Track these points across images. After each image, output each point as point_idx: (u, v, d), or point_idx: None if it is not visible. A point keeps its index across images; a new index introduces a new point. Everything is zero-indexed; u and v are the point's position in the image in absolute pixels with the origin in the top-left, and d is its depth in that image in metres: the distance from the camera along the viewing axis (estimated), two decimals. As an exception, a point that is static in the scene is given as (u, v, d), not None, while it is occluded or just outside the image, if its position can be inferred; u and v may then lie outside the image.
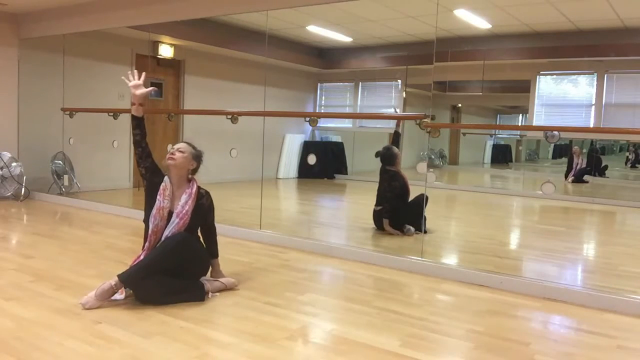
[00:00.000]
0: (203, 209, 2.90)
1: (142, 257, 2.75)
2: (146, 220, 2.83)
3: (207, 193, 2.97)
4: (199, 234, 2.99)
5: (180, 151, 2.85)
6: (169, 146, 3.02)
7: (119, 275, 2.58)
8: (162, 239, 2.75)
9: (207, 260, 2.92)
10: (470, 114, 10.08)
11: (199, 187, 2.91)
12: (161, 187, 2.82)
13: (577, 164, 8.77)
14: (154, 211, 2.79)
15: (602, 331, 2.55)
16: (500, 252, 4.30)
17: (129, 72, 2.93)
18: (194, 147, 2.95)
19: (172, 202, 2.82)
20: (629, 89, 6.89)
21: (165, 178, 2.86)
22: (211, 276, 3.00)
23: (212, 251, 3.03)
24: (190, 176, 2.92)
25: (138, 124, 2.88)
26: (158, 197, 2.80)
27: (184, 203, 2.81)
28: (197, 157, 2.93)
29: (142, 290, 2.61)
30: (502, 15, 6.00)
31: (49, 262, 3.39)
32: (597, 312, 2.82)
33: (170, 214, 2.80)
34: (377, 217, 4.80)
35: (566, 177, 8.80)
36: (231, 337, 2.28)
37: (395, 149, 4.86)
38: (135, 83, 2.91)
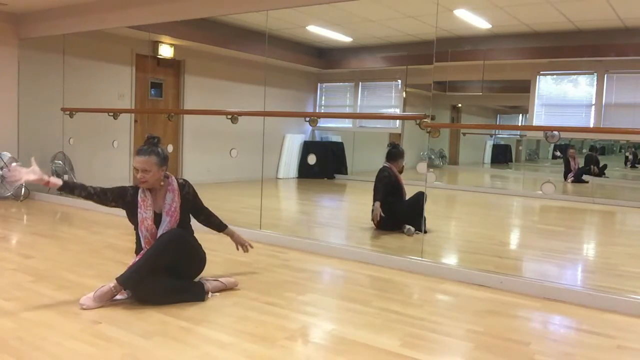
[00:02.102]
0: (189, 198, 2.91)
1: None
2: (136, 229, 2.84)
3: (186, 181, 2.96)
4: (195, 227, 3.01)
5: (145, 171, 2.72)
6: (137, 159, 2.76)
7: (117, 278, 2.58)
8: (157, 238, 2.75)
9: (204, 256, 2.92)
10: (470, 114, 10.09)
11: (177, 180, 2.90)
12: (139, 199, 2.78)
13: (575, 165, 8.81)
14: (140, 226, 2.78)
15: (602, 331, 2.54)
16: (500, 252, 4.30)
17: (9, 169, 2.62)
18: (156, 153, 2.76)
19: (154, 205, 2.80)
20: (629, 89, 6.89)
21: (139, 191, 2.79)
22: (233, 240, 3.16)
23: (220, 225, 3.13)
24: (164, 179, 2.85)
25: (70, 188, 2.66)
26: (139, 210, 2.77)
27: (171, 201, 2.80)
28: (163, 161, 2.78)
29: (142, 290, 2.61)
30: (502, 15, 6.00)
31: (49, 262, 3.39)
32: (597, 312, 2.82)
33: (156, 215, 2.79)
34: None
35: (565, 178, 8.82)
36: (231, 337, 2.28)
37: (401, 149, 4.90)
38: (28, 175, 2.53)
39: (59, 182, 2.60)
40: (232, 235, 3.18)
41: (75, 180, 2.72)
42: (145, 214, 2.77)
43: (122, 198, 2.80)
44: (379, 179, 4.77)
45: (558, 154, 9.12)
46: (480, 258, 3.94)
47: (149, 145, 2.79)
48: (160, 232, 2.76)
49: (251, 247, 3.22)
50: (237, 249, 3.20)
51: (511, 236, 5.32)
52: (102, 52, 6.67)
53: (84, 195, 2.69)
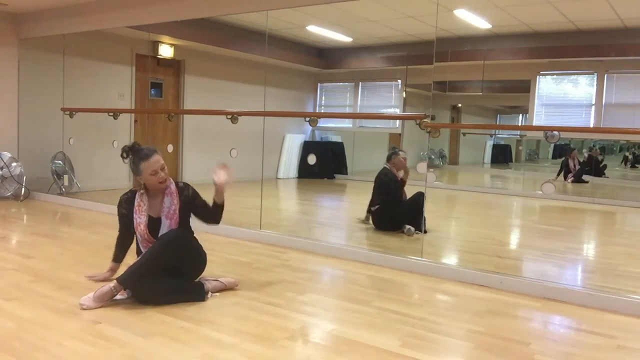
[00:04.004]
0: (188, 200, 2.89)
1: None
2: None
3: (186, 185, 2.93)
4: (195, 227, 3.01)
5: (164, 168, 2.79)
6: (158, 160, 2.78)
7: (117, 278, 2.59)
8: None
9: (204, 256, 2.92)
10: (470, 114, 10.08)
11: (176, 183, 2.89)
12: (136, 205, 2.80)
13: (574, 165, 8.82)
14: (135, 230, 2.81)
15: (602, 331, 2.54)
16: (500, 252, 4.30)
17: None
18: (155, 150, 2.82)
19: (150, 209, 2.82)
20: (629, 89, 6.88)
21: (137, 195, 2.82)
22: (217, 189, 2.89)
23: (217, 208, 2.90)
24: None
25: (123, 256, 3.00)
26: (135, 215, 2.79)
27: (170, 204, 2.80)
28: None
29: (142, 290, 2.61)
30: (502, 15, 6.00)
31: (49, 262, 3.39)
32: (597, 312, 2.82)
33: (151, 220, 2.79)
34: (375, 217, 4.83)
35: (565, 178, 8.82)
36: (231, 337, 2.28)
37: (396, 152, 4.95)
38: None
39: (117, 266, 2.97)
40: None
41: (115, 253, 3.03)
42: (139, 219, 2.79)
43: (125, 216, 2.88)
44: (384, 183, 4.82)
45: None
46: (480, 258, 3.94)
47: (145, 148, 2.81)
48: (160, 234, 2.76)
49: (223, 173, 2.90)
50: (221, 190, 2.90)
51: (511, 236, 5.32)
52: (102, 52, 6.67)
53: (128, 248, 2.98)
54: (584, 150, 8.99)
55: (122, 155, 2.82)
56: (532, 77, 7.51)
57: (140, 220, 2.79)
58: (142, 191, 2.83)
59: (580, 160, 8.89)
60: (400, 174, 4.90)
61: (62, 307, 2.55)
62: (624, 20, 5.78)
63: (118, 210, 2.92)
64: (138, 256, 2.81)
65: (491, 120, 10.31)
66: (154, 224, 2.79)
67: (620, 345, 2.39)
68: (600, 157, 8.97)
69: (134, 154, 2.78)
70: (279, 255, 3.86)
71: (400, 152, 4.93)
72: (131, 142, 2.88)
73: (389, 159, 4.93)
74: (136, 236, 2.84)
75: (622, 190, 8.72)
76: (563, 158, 9.12)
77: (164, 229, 2.77)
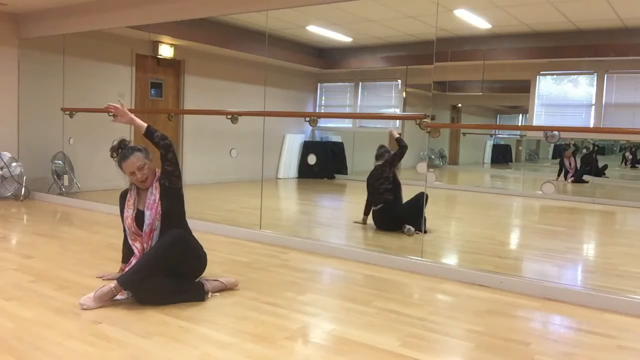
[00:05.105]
0: (163, 179, 2.88)
1: (133, 261, 2.79)
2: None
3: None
4: (193, 227, 3.02)
5: (141, 168, 2.82)
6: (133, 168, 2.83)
7: (117, 279, 2.59)
8: (142, 234, 2.81)
9: (204, 256, 2.93)
10: (470, 114, 10.08)
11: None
12: (126, 200, 2.90)
13: (570, 164, 8.82)
14: (124, 223, 2.86)
15: (602, 331, 2.54)
16: (500, 252, 4.30)
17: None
18: (137, 149, 2.86)
19: (139, 203, 2.88)
20: (629, 89, 6.89)
21: (128, 191, 2.92)
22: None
23: (148, 138, 2.87)
24: None
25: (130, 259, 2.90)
26: (124, 209, 2.88)
27: (150, 194, 2.85)
28: (147, 152, 2.89)
29: (142, 291, 2.61)
30: (502, 15, 6.00)
31: (49, 262, 3.39)
32: (597, 312, 2.82)
33: (139, 212, 2.85)
34: (375, 216, 4.83)
35: (565, 178, 8.82)
36: (231, 337, 2.28)
37: (386, 149, 5.02)
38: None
39: (126, 267, 2.81)
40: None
41: (123, 253, 3.03)
42: (127, 212, 2.87)
43: (122, 213, 2.93)
44: (383, 176, 4.87)
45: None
46: (480, 258, 3.94)
47: (127, 148, 2.87)
48: (144, 227, 2.81)
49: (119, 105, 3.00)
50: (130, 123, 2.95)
51: (511, 236, 5.32)
52: (102, 52, 6.67)
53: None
54: (570, 142, 8.96)
55: (111, 156, 2.94)
56: (532, 77, 7.51)
57: (128, 214, 2.85)
58: (130, 188, 2.92)
59: (574, 149, 8.89)
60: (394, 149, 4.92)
61: (62, 307, 2.55)
62: (624, 20, 5.78)
63: (119, 207, 2.97)
64: (127, 251, 2.88)
65: (491, 120, 10.31)
66: (140, 216, 2.84)
67: (620, 345, 2.39)
68: (594, 146, 8.97)
69: (121, 149, 2.89)
70: (279, 255, 3.86)
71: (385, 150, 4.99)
72: (119, 139, 2.92)
73: (381, 156, 4.96)
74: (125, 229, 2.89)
75: (622, 190, 8.72)
76: (560, 158, 9.13)
77: (146, 220, 2.81)
